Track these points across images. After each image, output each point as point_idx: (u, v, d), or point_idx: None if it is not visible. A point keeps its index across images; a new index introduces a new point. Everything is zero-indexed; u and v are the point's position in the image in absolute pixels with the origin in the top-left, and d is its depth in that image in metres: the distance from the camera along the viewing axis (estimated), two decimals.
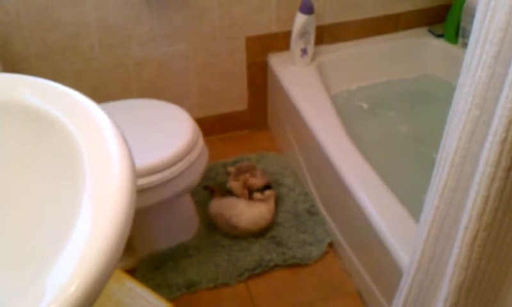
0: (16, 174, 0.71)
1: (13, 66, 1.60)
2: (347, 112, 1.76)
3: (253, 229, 1.56)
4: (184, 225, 1.58)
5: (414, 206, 1.33)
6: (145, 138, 1.36)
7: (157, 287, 1.45)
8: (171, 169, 1.32)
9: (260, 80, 1.94)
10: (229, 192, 1.67)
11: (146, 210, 1.37)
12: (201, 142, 1.42)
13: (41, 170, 0.70)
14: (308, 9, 1.70)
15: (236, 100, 1.96)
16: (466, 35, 1.87)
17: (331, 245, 1.58)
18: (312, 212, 1.66)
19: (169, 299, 1.41)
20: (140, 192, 1.30)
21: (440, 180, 0.77)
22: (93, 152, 0.64)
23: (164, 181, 1.32)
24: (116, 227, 0.55)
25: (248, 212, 1.55)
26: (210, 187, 1.71)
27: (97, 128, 0.68)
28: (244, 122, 2.02)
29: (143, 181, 1.28)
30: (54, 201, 0.66)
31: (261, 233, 1.58)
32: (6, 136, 0.73)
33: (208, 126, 1.92)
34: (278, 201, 1.67)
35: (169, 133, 1.38)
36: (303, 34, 1.75)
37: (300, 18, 1.71)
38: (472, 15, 1.81)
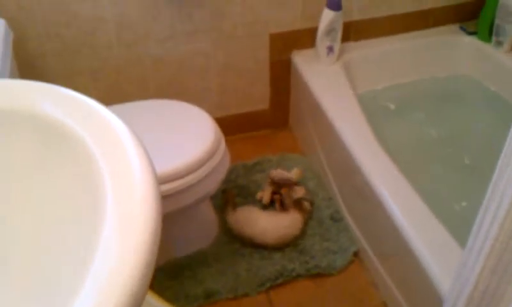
0: (30, 192, 0.65)
1: (28, 64, 1.55)
2: (373, 113, 1.67)
3: (279, 243, 1.49)
4: (202, 232, 1.52)
5: (445, 214, 1.26)
6: (165, 141, 1.30)
7: (175, 297, 1.39)
8: (192, 175, 1.25)
9: (282, 79, 1.86)
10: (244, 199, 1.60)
11: (164, 217, 1.31)
12: (223, 145, 1.35)
13: (56, 188, 0.64)
14: (335, 6, 1.62)
15: (257, 99, 1.89)
16: (500, 33, 1.77)
17: (356, 254, 1.51)
18: (336, 219, 1.59)
19: None
20: None
21: (498, 209, 0.69)
22: (115, 171, 0.58)
23: (184, 187, 1.25)
24: (142, 260, 0.49)
25: (271, 229, 1.48)
26: (227, 193, 1.64)
27: (120, 146, 0.61)
28: (265, 122, 1.95)
29: (162, 189, 1.22)
30: (69, 226, 0.60)
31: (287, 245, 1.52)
32: (17, 150, 0.67)
33: (228, 125, 1.85)
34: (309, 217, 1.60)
35: (190, 137, 1.31)
36: (330, 31, 1.67)
37: (327, 15, 1.63)
38: (508, 13, 1.72)
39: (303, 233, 1.54)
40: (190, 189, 1.27)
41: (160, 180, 1.22)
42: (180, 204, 1.29)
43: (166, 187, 1.23)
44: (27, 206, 0.65)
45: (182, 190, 1.25)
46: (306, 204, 1.57)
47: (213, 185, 1.33)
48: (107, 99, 1.67)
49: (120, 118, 1.36)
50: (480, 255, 0.71)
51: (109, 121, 0.66)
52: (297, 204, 1.56)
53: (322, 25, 1.66)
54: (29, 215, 0.64)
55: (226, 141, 1.40)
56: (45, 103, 0.68)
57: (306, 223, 1.56)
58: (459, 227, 1.34)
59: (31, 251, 0.61)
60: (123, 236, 0.49)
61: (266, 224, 1.49)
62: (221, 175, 1.34)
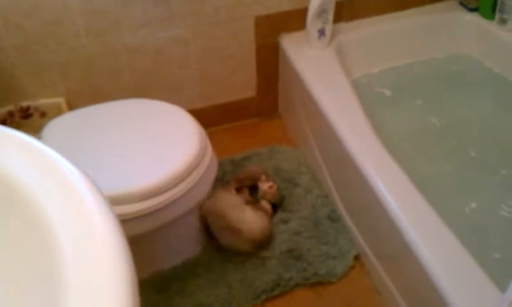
0: None
1: None
2: (369, 100, 1.55)
3: (263, 240, 1.39)
4: (190, 240, 1.40)
5: (451, 216, 1.16)
6: (144, 152, 1.15)
7: None
8: (178, 188, 1.13)
9: (270, 64, 1.73)
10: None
11: (147, 231, 1.18)
12: (209, 151, 1.21)
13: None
14: None
15: (244, 86, 1.75)
16: (504, 10, 1.65)
17: (357, 257, 1.40)
18: (333, 218, 1.48)
19: None
20: (140, 217, 1.10)
21: None
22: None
23: (168, 202, 1.12)
24: None
25: (259, 223, 1.37)
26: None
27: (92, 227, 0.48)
28: (252, 110, 1.81)
29: (142, 206, 1.09)
30: None
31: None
32: None
33: (213, 115, 1.72)
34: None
35: (172, 145, 1.17)
36: (321, 12, 1.52)
37: None
38: None
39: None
40: (175, 203, 1.14)
41: (142, 196, 1.09)
42: (165, 220, 1.16)
43: (148, 203, 1.10)
44: None
45: (166, 205, 1.13)
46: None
47: (201, 195, 1.21)
48: (80, 94, 1.52)
49: (96, 122, 1.20)
50: None
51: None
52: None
53: (313, 7, 1.51)
54: None
55: (211, 132, 1.27)
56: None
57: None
58: (467, 229, 1.24)
59: None
60: None
61: (253, 216, 1.38)
62: (208, 184, 1.21)
